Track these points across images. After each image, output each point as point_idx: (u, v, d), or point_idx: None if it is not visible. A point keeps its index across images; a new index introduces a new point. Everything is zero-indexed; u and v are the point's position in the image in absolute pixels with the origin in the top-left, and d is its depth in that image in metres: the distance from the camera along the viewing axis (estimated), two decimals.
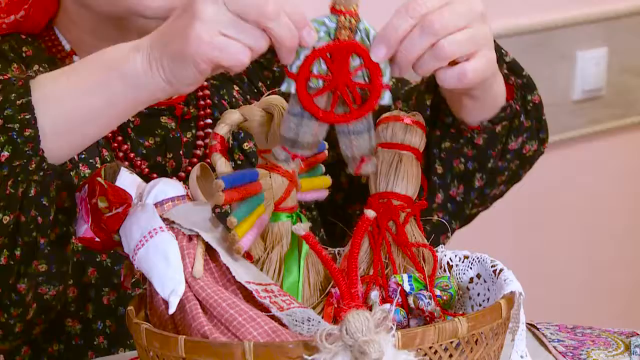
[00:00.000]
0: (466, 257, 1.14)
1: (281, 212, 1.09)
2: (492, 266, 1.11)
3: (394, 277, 1.10)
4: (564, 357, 1.26)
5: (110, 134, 1.34)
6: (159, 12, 1.30)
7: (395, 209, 1.14)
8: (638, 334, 1.29)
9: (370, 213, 0.98)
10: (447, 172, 1.33)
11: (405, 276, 1.10)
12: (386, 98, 1.07)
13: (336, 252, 1.17)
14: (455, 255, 1.15)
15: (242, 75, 1.45)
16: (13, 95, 1.11)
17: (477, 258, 1.13)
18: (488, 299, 1.11)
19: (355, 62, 1.07)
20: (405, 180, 1.15)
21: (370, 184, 1.17)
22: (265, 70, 1.47)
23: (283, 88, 1.07)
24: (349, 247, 1.00)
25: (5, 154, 1.09)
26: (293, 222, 1.09)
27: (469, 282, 1.14)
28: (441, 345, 0.96)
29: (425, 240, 1.15)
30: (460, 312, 1.12)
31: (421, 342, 0.95)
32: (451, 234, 1.36)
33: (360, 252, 1.11)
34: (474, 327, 0.98)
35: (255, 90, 1.45)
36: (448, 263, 1.15)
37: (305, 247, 1.09)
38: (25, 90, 1.11)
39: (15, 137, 1.10)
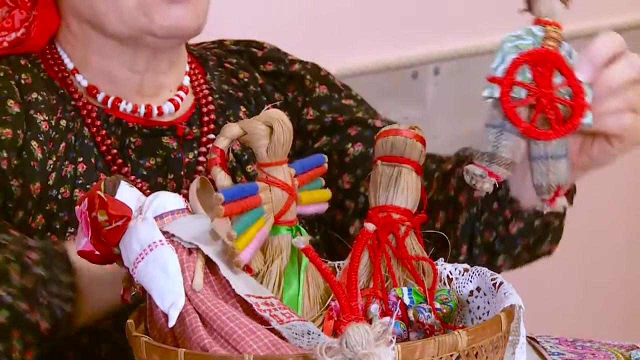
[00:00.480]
0: (466, 270, 1.14)
1: (281, 225, 1.09)
2: (491, 279, 1.10)
3: (394, 290, 1.10)
4: None
5: (109, 157, 1.34)
6: (171, 31, 1.30)
7: (395, 223, 1.14)
8: (638, 347, 1.29)
9: (369, 226, 0.98)
10: (476, 238, 1.33)
11: (405, 289, 1.10)
12: (589, 118, 1.05)
13: (336, 266, 1.17)
14: (455, 269, 1.15)
15: (249, 97, 1.45)
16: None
17: (477, 271, 1.13)
18: (488, 312, 1.11)
19: (557, 79, 1.05)
20: (405, 194, 1.15)
21: (370, 197, 1.17)
22: (277, 93, 1.46)
23: (486, 93, 1.05)
24: (349, 260, 1.00)
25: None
26: (293, 235, 1.09)
27: (469, 295, 1.14)
28: (441, 358, 0.96)
29: (425, 254, 1.15)
30: (460, 325, 1.12)
31: (421, 355, 0.95)
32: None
33: (360, 265, 1.11)
34: (474, 340, 0.98)
35: None
36: (448, 276, 1.15)
37: (305, 260, 1.09)
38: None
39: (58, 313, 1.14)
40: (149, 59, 1.37)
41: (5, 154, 1.28)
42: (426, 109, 2.18)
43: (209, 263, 1.04)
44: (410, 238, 1.15)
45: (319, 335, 0.99)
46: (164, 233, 1.03)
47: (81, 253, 1.07)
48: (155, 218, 1.05)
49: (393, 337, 0.92)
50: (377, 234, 1.12)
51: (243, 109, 1.44)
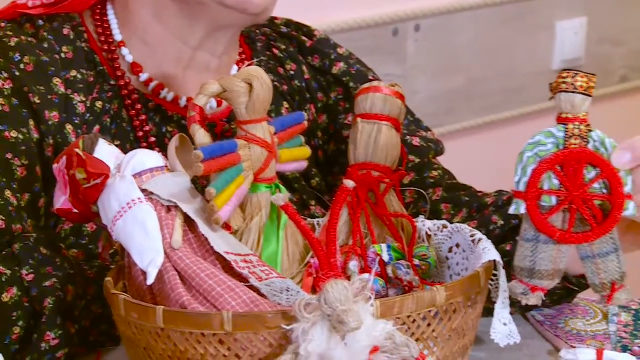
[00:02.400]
0: (445, 226, 1.14)
1: (260, 183, 1.09)
2: (471, 236, 1.10)
3: (373, 247, 1.10)
4: (542, 326, 1.26)
5: (146, 144, 1.29)
6: (240, 3, 1.23)
7: (375, 180, 1.14)
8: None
9: (349, 183, 0.98)
10: None
11: (384, 246, 1.10)
12: (630, 209, 1.00)
13: (315, 223, 1.17)
14: (434, 225, 1.15)
15: (294, 92, 1.40)
16: None
17: (456, 228, 1.13)
18: (467, 269, 1.11)
19: (590, 174, 1.00)
20: (384, 151, 1.15)
21: (349, 154, 1.17)
22: (321, 93, 1.41)
23: (512, 210, 1.01)
24: (328, 218, 1.00)
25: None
26: (272, 193, 1.09)
27: (448, 252, 1.14)
28: (419, 314, 0.96)
29: (405, 211, 1.15)
30: (439, 282, 1.12)
31: (400, 312, 0.95)
32: None
33: (340, 222, 1.11)
34: (452, 296, 0.98)
35: (305, 110, 1.39)
36: (427, 233, 1.15)
37: (284, 217, 1.09)
38: None
39: None
40: (207, 35, 1.30)
41: (51, 141, 1.24)
42: (407, 66, 2.17)
43: (188, 221, 1.03)
44: (389, 195, 1.15)
45: (298, 292, 0.99)
46: (143, 191, 1.03)
47: (59, 211, 1.06)
48: (134, 176, 1.04)
49: (372, 294, 0.92)
50: (356, 191, 1.12)
51: (286, 105, 1.38)
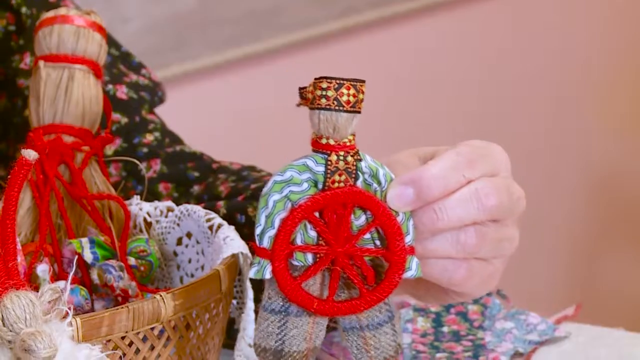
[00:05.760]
0: (170, 209, 1.17)
1: None
2: (206, 220, 1.14)
3: (70, 242, 1.12)
4: None
5: None
6: None
7: (68, 148, 1.15)
8: (410, 305, 1.37)
9: (30, 154, 0.96)
10: None
11: (85, 241, 1.12)
12: (413, 269, 1.01)
13: None
14: (155, 208, 1.18)
15: None
16: None
17: (186, 211, 1.17)
18: (203, 267, 1.15)
19: (358, 220, 1.01)
20: (80, 107, 1.17)
21: (31, 114, 1.18)
22: None
23: (252, 274, 1.00)
24: (2, 204, 0.99)
25: None
26: None
27: (177, 245, 1.18)
28: (138, 333, 0.99)
29: (112, 190, 1.18)
30: (165, 287, 1.16)
31: (110, 331, 0.97)
32: None
33: (20, 210, 1.12)
34: (183, 306, 1.01)
35: None
36: (146, 220, 1.18)
37: None
38: None
39: None
40: None
41: None
42: None
43: None
44: (90, 169, 1.17)
45: None
46: None
47: None
48: None
49: (70, 309, 0.93)
50: (42, 165, 1.13)
51: None
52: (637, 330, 1.41)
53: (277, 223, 0.99)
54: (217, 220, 1.14)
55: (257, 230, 1.00)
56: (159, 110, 1.45)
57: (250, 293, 1.09)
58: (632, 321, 1.87)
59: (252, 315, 1.09)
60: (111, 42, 1.40)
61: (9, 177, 0.98)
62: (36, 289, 0.94)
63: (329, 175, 0.99)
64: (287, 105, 2.49)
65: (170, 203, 1.18)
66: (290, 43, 2.48)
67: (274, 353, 1.01)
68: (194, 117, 2.29)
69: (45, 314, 0.92)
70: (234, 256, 1.08)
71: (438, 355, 1.29)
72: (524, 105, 3.19)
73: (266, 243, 1.00)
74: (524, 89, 3.19)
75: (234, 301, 1.13)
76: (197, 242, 1.16)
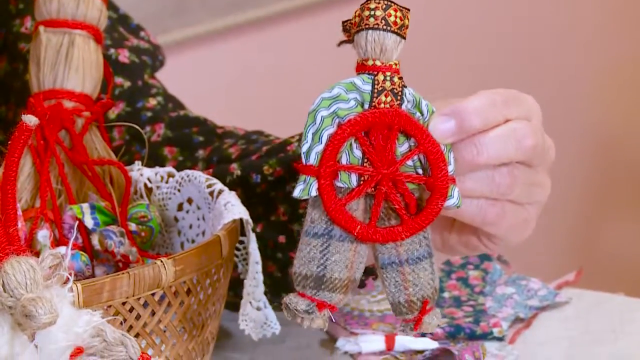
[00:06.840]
0: (171, 175, 1.17)
1: None
2: (207, 186, 1.14)
3: (70, 208, 1.12)
4: None
5: None
6: None
7: (69, 114, 1.15)
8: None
9: (30, 119, 0.97)
10: None
11: (86, 207, 1.12)
12: (454, 198, 1.00)
13: None
14: (156, 174, 1.18)
15: None
16: None
17: (187, 176, 1.17)
18: (204, 232, 1.15)
19: (402, 146, 0.99)
20: (80, 72, 1.17)
21: (31, 80, 1.18)
22: None
23: (297, 193, 0.98)
24: (2, 170, 0.99)
25: None
26: None
27: (177, 211, 1.18)
28: (139, 299, 0.99)
29: (113, 155, 1.18)
30: (166, 253, 1.16)
31: (111, 297, 0.98)
32: None
33: (20, 176, 1.12)
34: (183, 272, 1.02)
35: None
36: (146, 185, 1.18)
37: None
38: None
39: None
40: None
41: None
42: None
43: None
44: (90, 134, 1.17)
45: None
46: None
47: None
48: None
49: (70, 274, 0.93)
50: (42, 130, 1.13)
51: None
52: (638, 295, 1.42)
53: (324, 138, 0.98)
54: (218, 185, 1.14)
55: (304, 148, 0.98)
56: (160, 75, 1.45)
57: (256, 256, 1.09)
58: (632, 286, 1.87)
59: (260, 277, 1.09)
60: (109, 4, 1.39)
61: (9, 142, 0.99)
62: (37, 254, 0.94)
63: (375, 95, 0.98)
64: (287, 71, 2.50)
65: (170, 169, 1.18)
66: (290, 8, 2.47)
67: (315, 279, 0.98)
68: (195, 83, 2.29)
69: (46, 279, 0.92)
70: (235, 222, 1.08)
71: None
72: (523, 70, 3.19)
73: (313, 159, 0.98)
74: (523, 54, 3.19)
75: (240, 264, 1.13)
76: (198, 208, 1.16)
